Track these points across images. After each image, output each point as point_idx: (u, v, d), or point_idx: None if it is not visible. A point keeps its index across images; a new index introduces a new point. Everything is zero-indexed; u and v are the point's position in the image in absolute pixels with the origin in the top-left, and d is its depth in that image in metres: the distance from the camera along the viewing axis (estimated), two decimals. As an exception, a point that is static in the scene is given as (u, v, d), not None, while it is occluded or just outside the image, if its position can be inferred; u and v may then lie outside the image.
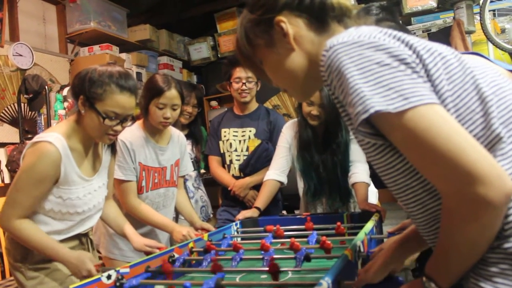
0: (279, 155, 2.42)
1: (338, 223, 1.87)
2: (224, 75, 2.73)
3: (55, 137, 1.63)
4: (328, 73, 0.87)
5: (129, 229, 1.92)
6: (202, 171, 3.09)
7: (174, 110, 2.12)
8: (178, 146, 2.31)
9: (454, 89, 0.84)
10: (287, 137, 2.42)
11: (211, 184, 3.00)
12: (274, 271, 1.23)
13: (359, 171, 2.27)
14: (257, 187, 2.55)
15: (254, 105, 2.76)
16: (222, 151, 2.76)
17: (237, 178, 2.70)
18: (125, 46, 4.59)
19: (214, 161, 2.79)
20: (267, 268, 1.26)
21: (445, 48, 0.90)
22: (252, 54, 1.06)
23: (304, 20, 0.99)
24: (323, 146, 2.32)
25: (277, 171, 2.38)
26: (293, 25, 0.99)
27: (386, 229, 1.87)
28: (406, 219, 2.29)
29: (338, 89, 0.86)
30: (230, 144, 2.73)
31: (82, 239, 1.82)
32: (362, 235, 1.51)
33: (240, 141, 2.72)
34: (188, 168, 2.41)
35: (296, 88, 1.06)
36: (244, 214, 2.18)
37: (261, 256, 1.51)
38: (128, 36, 4.67)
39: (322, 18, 1.00)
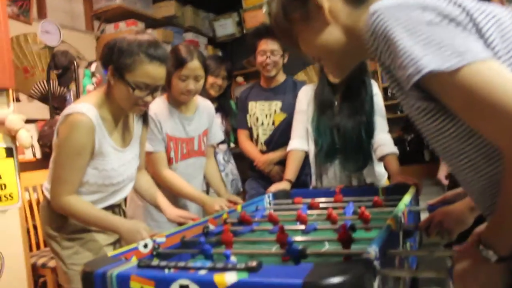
0: (298, 121, 2.37)
1: (376, 197, 1.83)
2: (251, 48, 2.67)
3: (87, 107, 1.61)
4: (374, 38, 0.84)
5: (162, 200, 1.91)
6: (232, 145, 3.07)
7: (197, 81, 2.07)
8: (206, 115, 2.28)
9: (509, 47, 0.80)
10: (304, 101, 2.36)
11: (240, 158, 2.98)
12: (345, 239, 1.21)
13: (385, 142, 2.22)
14: (282, 162, 2.52)
15: (281, 78, 2.71)
16: (249, 125, 2.73)
17: (263, 152, 2.67)
18: (151, 22, 4.56)
19: (242, 134, 2.77)
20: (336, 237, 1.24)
21: (497, 7, 0.85)
22: (288, 29, 1.05)
23: None
24: (343, 105, 2.26)
25: (299, 140, 2.34)
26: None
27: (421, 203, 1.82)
28: (439, 194, 2.24)
29: (385, 54, 0.83)
30: (257, 118, 2.70)
31: (115, 210, 1.83)
32: (402, 206, 1.47)
33: (266, 115, 2.68)
34: (217, 137, 2.38)
35: (332, 63, 1.04)
36: (276, 186, 2.17)
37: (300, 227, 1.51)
38: (154, 12, 4.64)
39: None
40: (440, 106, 0.82)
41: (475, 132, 0.82)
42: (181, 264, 1.03)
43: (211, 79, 2.77)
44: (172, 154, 2.13)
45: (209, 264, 0.99)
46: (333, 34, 0.98)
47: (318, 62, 1.08)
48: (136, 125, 1.83)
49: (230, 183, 2.87)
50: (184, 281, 0.96)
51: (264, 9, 4.53)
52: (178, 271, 1.00)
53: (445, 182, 2.04)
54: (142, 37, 1.63)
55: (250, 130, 2.75)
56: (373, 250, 0.94)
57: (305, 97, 2.36)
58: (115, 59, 1.59)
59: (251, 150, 2.70)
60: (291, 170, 2.26)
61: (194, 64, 2.04)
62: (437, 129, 0.86)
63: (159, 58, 1.61)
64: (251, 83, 3.07)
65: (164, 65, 1.64)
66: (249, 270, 0.93)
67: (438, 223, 1.35)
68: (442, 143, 0.88)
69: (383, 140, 2.21)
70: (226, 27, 5.40)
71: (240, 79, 5.53)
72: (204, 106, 2.30)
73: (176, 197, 2.10)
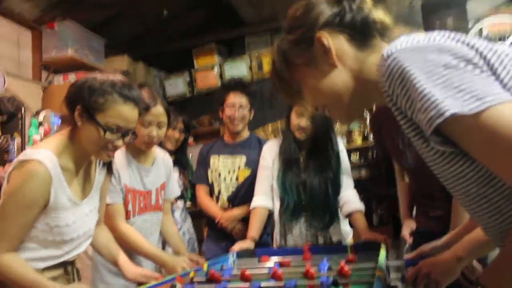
0: (262, 178, 2.32)
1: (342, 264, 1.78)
2: (217, 101, 2.64)
3: (45, 155, 1.45)
4: (389, 82, 0.82)
5: (123, 257, 1.75)
6: (188, 204, 2.94)
7: (160, 128, 1.99)
8: (163, 168, 2.18)
9: None
10: (268, 157, 2.33)
11: (195, 217, 2.85)
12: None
13: (352, 198, 2.22)
14: (246, 219, 2.43)
15: (246, 133, 2.69)
16: (210, 181, 2.64)
17: (224, 209, 2.57)
18: (101, 76, 4.45)
19: (201, 190, 2.66)
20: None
21: (505, 46, 0.86)
22: (290, 77, 1.02)
23: (346, 36, 0.96)
24: (309, 162, 2.24)
25: (263, 197, 2.28)
26: (334, 42, 0.95)
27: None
28: (405, 250, 2.23)
29: (402, 98, 0.81)
30: (219, 173, 2.62)
31: (68, 268, 1.63)
32: (383, 260, 1.43)
33: (229, 170, 2.61)
34: (175, 191, 2.28)
35: (340, 108, 1.00)
36: (240, 245, 2.06)
37: (279, 284, 1.41)
38: (106, 66, 4.55)
39: (365, 33, 0.96)
40: (460, 150, 0.80)
41: (495, 175, 0.80)
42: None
43: (168, 132, 2.69)
44: (130, 207, 1.99)
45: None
46: (340, 77, 0.96)
47: (322, 110, 1.04)
48: (98, 175, 1.69)
49: (186, 242, 2.71)
50: None
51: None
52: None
53: (410, 240, 2.03)
54: (114, 77, 1.53)
55: (210, 186, 2.65)
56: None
57: (270, 153, 2.33)
58: (84, 97, 1.47)
59: (211, 206, 2.60)
60: (255, 228, 2.18)
61: (158, 110, 1.96)
62: (457, 173, 0.84)
63: (133, 100, 1.52)
64: (200, 145, 3.01)
65: (137, 108, 1.55)
66: None
67: (425, 275, 1.31)
68: (461, 187, 0.86)
69: (349, 197, 2.20)
70: (176, 86, 5.39)
71: (189, 139, 5.45)
72: (162, 158, 2.20)
73: (130, 255, 1.92)
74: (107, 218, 1.89)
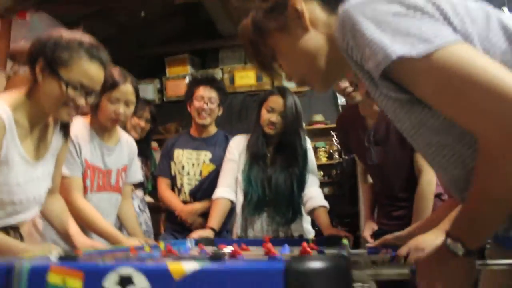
0: (227, 170, 2.29)
1: (304, 244, 1.75)
2: (186, 94, 2.61)
3: (0, 106, 1.37)
4: (343, 35, 0.83)
5: (74, 227, 1.66)
6: (147, 198, 2.85)
7: (128, 106, 1.94)
8: (127, 150, 2.11)
9: (479, 32, 0.81)
10: (235, 151, 2.31)
11: (153, 211, 2.76)
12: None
13: (316, 195, 2.20)
14: (207, 214, 2.37)
15: (213, 129, 2.64)
16: (173, 173, 2.58)
17: (187, 203, 2.51)
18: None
19: (163, 183, 2.59)
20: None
21: None
22: (264, 46, 1.03)
23: (318, 1, 0.98)
24: (276, 157, 2.24)
25: (227, 189, 2.24)
26: (308, 7, 0.97)
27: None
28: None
29: (355, 49, 0.82)
30: (183, 166, 2.56)
31: (10, 232, 1.52)
32: (346, 242, 1.41)
33: (193, 164, 2.56)
34: (137, 176, 2.21)
35: (315, 73, 1.00)
36: (199, 233, 2.00)
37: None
38: (75, 63, 4.45)
39: None
40: (415, 98, 0.80)
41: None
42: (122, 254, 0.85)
43: (134, 120, 2.65)
44: (88, 183, 1.91)
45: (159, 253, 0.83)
46: (313, 41, 0.97)
47: (298, 80, 1.03)
48: (55, 139, 1.60)
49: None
50: (126, 270, 0.78)
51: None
52: (117, 261, 0.83)
53: (371, 240, 2.02)
54: (84, 37, 1.46)
55: (172, 179, 2.58)
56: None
57: (237, 147, 2.31)
58: (48, 51, 1.39)
59: (172, 199, 2.53)
60: (215, 219, 2.12)
61: (127, 88, 1.92)
62: (417, 123, 0.84)
63: (100, 60, 1.45)
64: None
65: (104, 69, 1.47)
66: (215, 258, 0.79)
67: (416, 251, 1.27)
68: (423, 138, 0.86)
69: (313, 193, 2.19)
70: (146, 92, 5.33)
71: (154, 144, 5.37)
72: (127, 141, 2.15)
73: (84, 231, 1.83)
74: (63, 190, 1.79)
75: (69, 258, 0.86)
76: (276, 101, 2.21)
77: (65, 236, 1.67)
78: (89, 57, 1.42)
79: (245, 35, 1.06)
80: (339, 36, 0.85)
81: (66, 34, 1.45)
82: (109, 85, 1.88)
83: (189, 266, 0.75)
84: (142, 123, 2.72)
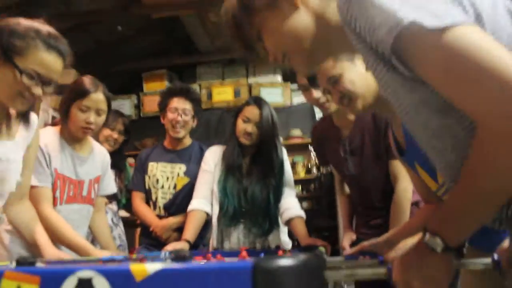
0: (203, 182, 2.25)
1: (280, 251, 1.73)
2: (160, 105, 2.55)
3: None
4: (348, 5, 0.81)
5: (43, 237, 1.59)
6: (122, 212, 2.78)
7: (99, 115, 1.90)
8: (100, 161, 2.06)
9: (487, 13, 0.79)
10: (211, 162, 2.27)
11: (128, 225, 2.69)
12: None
13: (292, 205, 2.18)
14: (181, 229, 2.31)
15: (188, 141, 2.58)
16: (147, 187, 2.51)
17: (162, 217, 2.44)
18: (44, 87, 4.28)
19: (137, 197, 2.52)
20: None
21: None
22: (249, 24, 0.99)
23: None
24: (252, 168, 2.22)
25: (202, 200, 2.20)
26: None
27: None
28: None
29: (361, 19, 0.79)
30: (157, 179, 2.49)
31: None
32: (322, 249, 1.38)
33: (168, 177, 2.49)
34: (110, 188, 2.16)
35: (300, 53, 0.97)
36: (174, 245, 1.95)
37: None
38: (50, 77, 4.38)
39: None
40: (419, 77, 0.78)
41: None
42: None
43: (106, 132, 2.60)
44: (58, 194, 1.85)
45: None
46: (301, 20, 0.94)
47: (282, 59, 1.00)
48: (23, 130, 1.54)
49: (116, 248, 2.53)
50: (85, 273, 0.74)
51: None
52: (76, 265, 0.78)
53: (350, 250, 2.00)
54: (43, 26, 1.41)
55: (147, 192, 2.52)
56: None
57: (212, 158, 2.27)
58: (3, 38, 1.34)
59: (147, 214, 2.46)
60: (190, 231, 2.07)
61: (98, 96, 1.89)
62: (419, 101, 0.81)
63: (58, 50, 1.40)
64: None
65: (62, 60, 1.42)
66: (179, 258, 0.75)
67: None
68: (422, 119, 0.83)
69: (290, 204, 2.16)
70: (123, 108, 5.23)
71: (131, 160, 5.29)
72: (100, 151, 2.10)
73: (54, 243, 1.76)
74: (31, 200, 1.73)
75: (26, 263, 0.81)
76: (252, 112, 2.19)
77: (33, 247, 1.61)
78: (47, 46, 1.38)
79: (229, 14, 1.03)
80: (342, 8, 0.82)
81: (24, 22, 1.40)
82: (79, 93, 1.86)
83: (152, 267, 0.71)
84: (115, 135, 2.68)
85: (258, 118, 2.17)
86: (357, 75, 1.41)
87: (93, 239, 2.13)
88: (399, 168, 1.77)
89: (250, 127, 2.17)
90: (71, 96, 1.88)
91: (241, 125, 2.19)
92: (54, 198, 1.85)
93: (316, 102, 1.94)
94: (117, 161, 2.68)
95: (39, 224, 1.65)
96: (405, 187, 1.80)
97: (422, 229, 0.81)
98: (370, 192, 1.95)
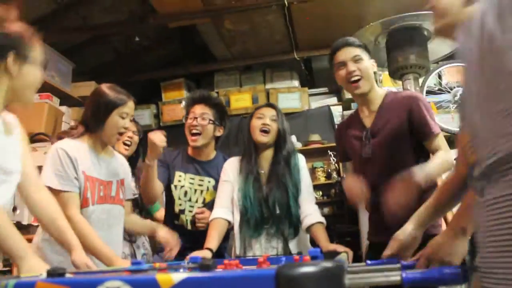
0: (223, 191, 2.26)
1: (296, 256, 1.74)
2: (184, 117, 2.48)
3: None
4: None
5: (74, 238, 1.66)
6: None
7: (130, 121, 2.04)
8: (121, 166, 2.14)
9: None
10: (230, 172, 2.29)
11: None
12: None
13: (312, 212, 2.17)
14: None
15: (211, 152, 2.48)
16: (175, 197, 2.40)
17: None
18: (67, 100, 4.40)
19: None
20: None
21: None
22: None
23: None
24: (271, 175, 2.23)
25: (223, 209, 2.21)
26: None
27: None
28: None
29: None
30: (185, 192, 2.41)
31: None
32: (344, 257, 1.38)
33: (196, 190, 2.42)
34: (131, 192, 2.24)
35: None
36: (196, 254, 1.96)
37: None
38: (71, 91, 4.49)
39: None
40: None
41: None
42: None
43: (124, 136, 2.58)
44: (89, 195, 1.90)
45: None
46: None
47: None
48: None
49: (140, 257, 2.51)
50: (113, 283, 0.76)
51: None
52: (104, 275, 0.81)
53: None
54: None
55: (169, 202, 2.45)
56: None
57: (231, 169, 2.29)
58: (17, 44, 1.48)
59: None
60: (213, 239, 2.08)
61: (132, 103, 2.03)
62: None
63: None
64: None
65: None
66: (204, 267, 0.77)
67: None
68: None
69: (310, 210, 2.16)
70: (142, 118, 5.32)
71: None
72: (119, 157, 2.20)
73: None
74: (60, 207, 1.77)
75: (56, 274, 0.84)
76: (266, 109, 2.28)
77: (60, 241, 1.67)
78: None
79: None
80: None
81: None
82: (120, 101, 1.96)
83: (177, 276, 0.73)
84: (130, 133, 2.53)
85: (272, 114, 2.24)
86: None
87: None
88: (441, 143, 1.87)
89: (266, 120, 2.22)
90: (110, 105, 1.93)
91: (256, 122, 2.23)
92: (86, 199, 1.90)
93: (348, 78, 1.96)
94: (134, 165, 2.61)
95: (66, 222, 1.69)
96: (451, 156, 1.85)
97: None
98: (382, 177, 1.81)
